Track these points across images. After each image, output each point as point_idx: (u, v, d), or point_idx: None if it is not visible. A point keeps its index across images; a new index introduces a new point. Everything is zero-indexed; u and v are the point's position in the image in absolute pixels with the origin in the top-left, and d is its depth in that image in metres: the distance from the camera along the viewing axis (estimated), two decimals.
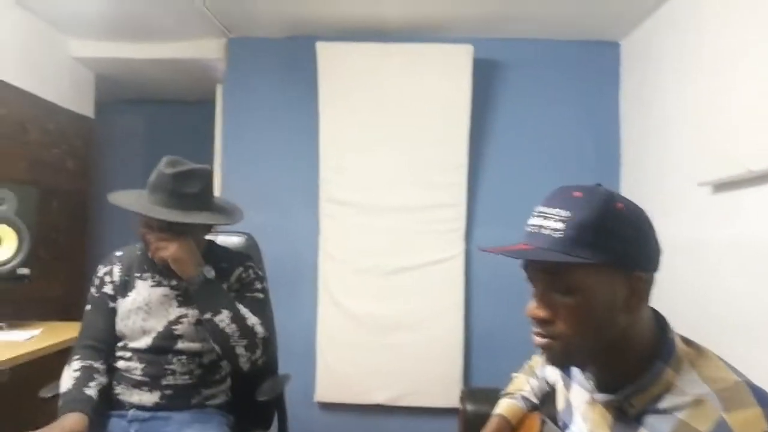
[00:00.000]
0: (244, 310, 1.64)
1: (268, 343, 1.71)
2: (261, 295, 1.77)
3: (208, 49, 3.30)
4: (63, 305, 3.12)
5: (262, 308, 1.76)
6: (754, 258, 1.85)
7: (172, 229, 1.60)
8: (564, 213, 0.86)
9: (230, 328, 1.59)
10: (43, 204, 2.74)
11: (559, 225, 0.86)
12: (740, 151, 1.86)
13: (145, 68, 3.56)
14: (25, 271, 2.42)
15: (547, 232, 0.87)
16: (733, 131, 1.91)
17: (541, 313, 0.89)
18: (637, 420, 0.89)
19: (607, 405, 0.95)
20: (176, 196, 1.60)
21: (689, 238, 2.21)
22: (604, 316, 0.87)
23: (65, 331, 2.31)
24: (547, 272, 0.88)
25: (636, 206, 0.90)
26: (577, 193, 0.89)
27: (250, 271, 1.78)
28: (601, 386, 0.96)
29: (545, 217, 0.88)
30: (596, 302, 0.86)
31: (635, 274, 0.87)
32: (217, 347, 1.63)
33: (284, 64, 3.19)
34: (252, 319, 1.64)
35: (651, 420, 0.87)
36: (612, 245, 0.85)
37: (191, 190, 1.63)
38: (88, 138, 3.59)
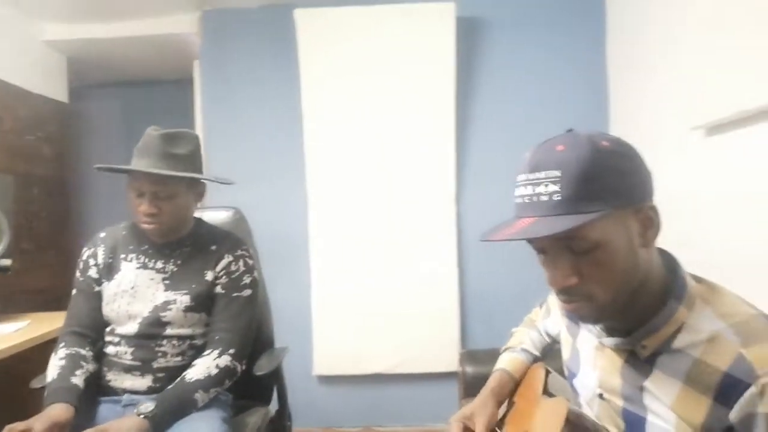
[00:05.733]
0: (212, 376, 1.51)
1: (244, 352, 1.64)
2: (248, 292, 1.67)
3: (182, 24, 3.21)
4: (50, 295, 3.06)
5: (247, 308, 1.66)
6: (752, 201, 1.80)
7: (165, 191, 1.55)
8: (554, 173, 0.80)
9: (213, 393, 1.52)
10: (21, 193, 2.67)
11: (554, 187, 0.80)
12: (733, 90, 1.80)
13: (118, 48, 3.46)
14: (6, 262, 2.36)
15: (544, 198, 0.81)
16: (725, 70, 1.85)
17: (571, 280, 0.84)
18: (649, 362, 0.86)
19: (617, 349, 0.92)
20: (166, 158, 1.54)
21: (684, 184, 2.16)
22: (629, 259, 0.83)
23: (53, 322, 2.25)
24: (561, 238, 0.82)
25: (618, 138, 0.86)
26: (559, 147, 0.83)
27: (241, 262, 1.67)
28: (611, 330, 0.93)
29: (536, 184, 0.82)
30: (619, 249, 0.82)
31: (644, 205, 0.84)
32: None
33: (261, 35, 3.09)
34: (221, 365, 1.54)
35: (665, 360, 0.84)
36: (615, 186, 0.80)
37: (181, 151, 1.58)
38: (63, 123, 3.50)
